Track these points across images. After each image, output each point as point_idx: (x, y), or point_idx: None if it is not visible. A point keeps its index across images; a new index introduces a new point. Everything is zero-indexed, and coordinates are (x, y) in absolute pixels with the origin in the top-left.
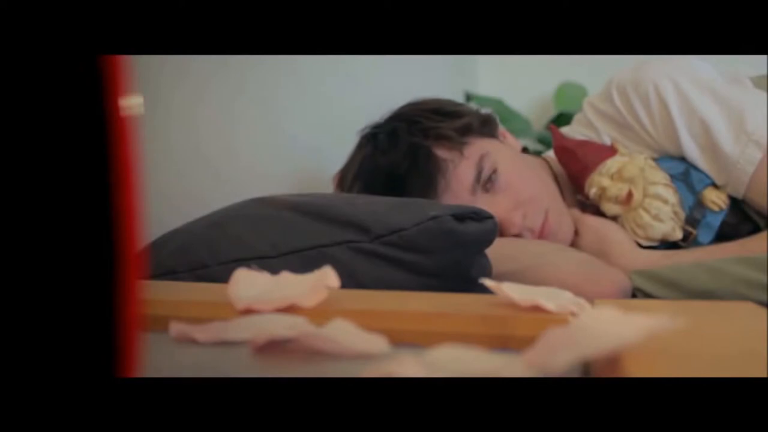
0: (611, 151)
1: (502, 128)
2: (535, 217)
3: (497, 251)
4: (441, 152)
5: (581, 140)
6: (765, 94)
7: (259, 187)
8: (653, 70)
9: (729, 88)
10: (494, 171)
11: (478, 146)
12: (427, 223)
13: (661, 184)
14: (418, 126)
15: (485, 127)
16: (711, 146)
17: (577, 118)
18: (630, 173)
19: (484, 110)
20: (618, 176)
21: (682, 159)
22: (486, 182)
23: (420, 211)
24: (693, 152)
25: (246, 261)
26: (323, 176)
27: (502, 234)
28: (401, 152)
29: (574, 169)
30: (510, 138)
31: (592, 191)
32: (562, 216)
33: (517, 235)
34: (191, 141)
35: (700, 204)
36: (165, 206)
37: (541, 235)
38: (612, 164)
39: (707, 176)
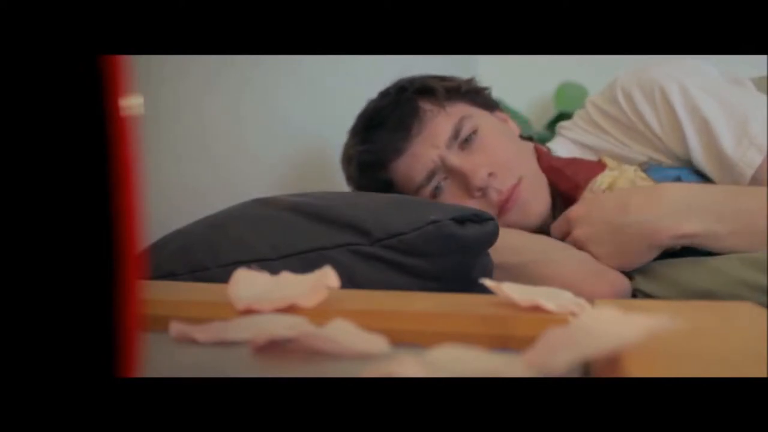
0: (600, 166)
1: (504, 114)
2: (504, 178)
3: (500, 242)
4: (423, 103)
5: (569, 159)
6: (765, 97)
7: (264, 182)
8: (658, 72)
9: (733, 91)
10: (474, 132)
11: (464, 109)
12: (427, 227)
13: None
14: (412, 82)
15: (477, 96)
16: (713, 146)
17: (579, 114)
18: (621, 188)
19: (483, 86)
20: (609, 191)
21: (674, 167)
22: (463, 141)
23: (420, 213)
24: (698, 152)
25: (246, 263)
26: (327, 171)
27: (465, 185)
28: (389, 99)
29: (564, 187)
30: (511, 123)
31: None
32: (538, 190)
33: (481, 190)
34: (197, 137)
35: None
36: (170, 204)
37: (509, 199)
38: (603, 180)
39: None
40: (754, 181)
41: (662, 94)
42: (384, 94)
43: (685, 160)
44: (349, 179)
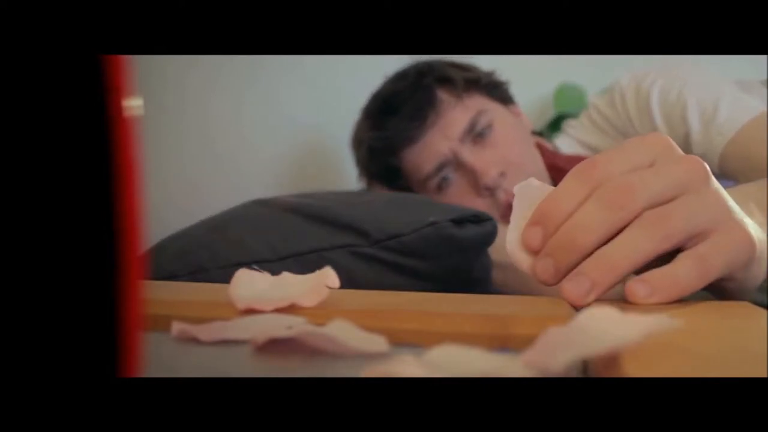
0: None
1: (518, 108)
2: (514, 179)
3: (499, 241)
4: (441, 93)
5: (571, 157)
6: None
7: (266, 180)
8: (655, 76)
9: (733, 91)
10: (489, 127)
11: (481, 102)
12: (426, 229)
13: None
14: (432, 68)
15: (495, 90)
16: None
17: (584, 113)
18: None
19: (502, 80)
20: None
21: None
22: (477, 135)
23: (419, 214)
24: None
25: (245, 265)
26: (330, 169)
27: (475, 182)
28: (406, 83)
29: None
30: (524, 117)
31: None
32: None
33: (490, 189)
34: (200, 136)
35: None
36: (174, 202)
37: None
38: None
39: None
40: (725, 154)
41: (647, 100)
42: (401, 76)
43: None
44: (358, 162)
